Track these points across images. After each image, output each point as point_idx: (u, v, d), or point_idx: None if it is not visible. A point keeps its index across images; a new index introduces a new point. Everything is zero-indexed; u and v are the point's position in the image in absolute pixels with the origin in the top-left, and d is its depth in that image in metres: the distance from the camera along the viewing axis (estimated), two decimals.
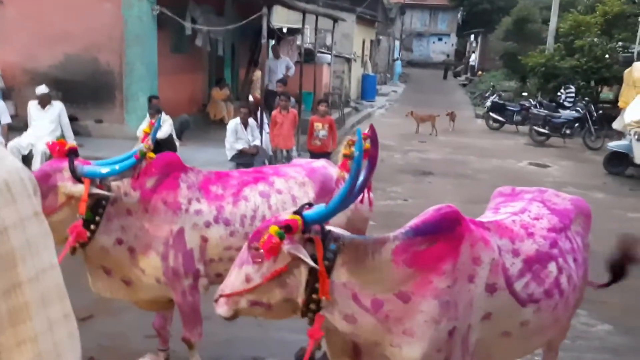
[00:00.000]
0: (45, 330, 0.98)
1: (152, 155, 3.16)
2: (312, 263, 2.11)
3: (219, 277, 3.40)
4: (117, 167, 3.10)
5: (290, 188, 3.52)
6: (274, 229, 2.08)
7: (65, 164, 2.95)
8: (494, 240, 2.42)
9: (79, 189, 2.93)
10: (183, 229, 3.22)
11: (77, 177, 2.95)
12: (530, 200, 2.95)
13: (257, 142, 8.37)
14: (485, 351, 2.44)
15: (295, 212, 2.19)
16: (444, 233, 2.25)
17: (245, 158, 8.01)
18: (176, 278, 3.22)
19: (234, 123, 8.32)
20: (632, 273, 6.35)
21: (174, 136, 8.76)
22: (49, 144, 3.07)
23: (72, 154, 3.00)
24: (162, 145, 8.27)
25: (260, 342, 4.26)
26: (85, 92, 9.88)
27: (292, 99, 10.19)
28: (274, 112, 8.98)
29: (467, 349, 2.32)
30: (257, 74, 12.56)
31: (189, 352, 3.48)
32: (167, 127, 8.58)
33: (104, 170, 3.06)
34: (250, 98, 10.15)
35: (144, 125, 8.49)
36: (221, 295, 2.28)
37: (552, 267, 2.56)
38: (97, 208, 3.01)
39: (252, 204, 3.39)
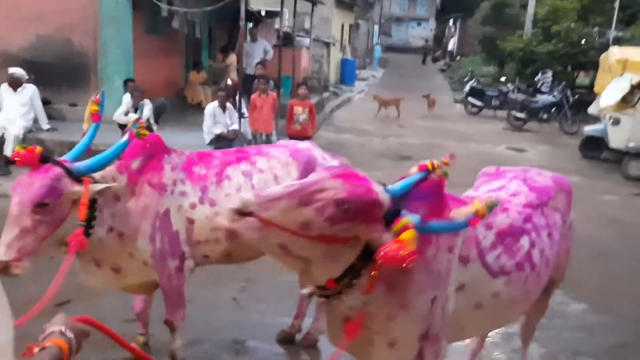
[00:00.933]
0: None
1: (145, 132, 3.10)
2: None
3: (206, 259, 3.39)
4: (110, 153, 2.98)
5: (272, 167, 3.50)
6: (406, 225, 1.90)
7: (57, 169, 2.76)
8: None
9: (83, 189, 2.79)
10: (169, 210, 3.18)
11: (76, 179, 2.80)
12: (511, 179, 3.00)
13: (236, 126, 8.29)
14: (459, 324, 2.46)
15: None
16: (432, 201, 2.23)
17: (223, 142, 7.92)
18: (162, 260, 3.18)
19: (211, 107, 8.22)
20: (606, 254, 6.50)
21: (152, 120, 8.63)
22: (15, 157, 2.76)
23: (46, 157, 2.78)
24: None
25: (241, 325, 4.25)
26: (59, 74, 9.62)
27: (271, 83, 10.09)
28: (253, 96, 8.90)
29: (445, 320, 2.36)
30: (232, 57, 12.38)
31: (170, 336, 3.45)
32: (147, 111, 8.44)
33: (100, 161, 2.93)
34: (229, 81, 10.01)
35: (122, 109, 8.41)
36: (253, 214, 1.88)
37: (524, 241, 2.61)
38: (93, 205, 2.88)
39: (235, 183, 3.36)
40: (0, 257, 2.57)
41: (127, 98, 8.40)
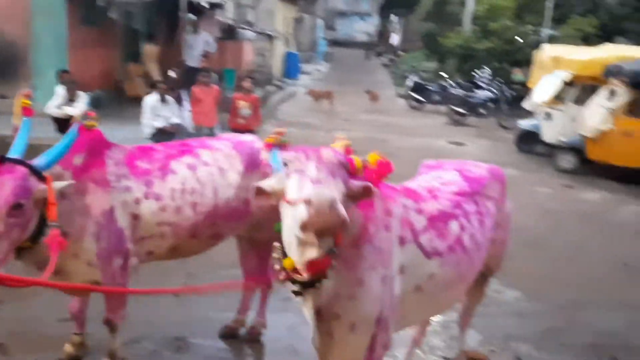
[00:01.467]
0: None
1: (95, 124, 3.00)
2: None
3: (150, 256, 3.31)
4: (62, 147, 2.86)
5: (216, 160, 3.46)
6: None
7: (22, 169, 2.63)
8: (400, 198, 2.61)
9: (46, 187, 2.67)
10: (114, 207, 3.08)
11: (40, 177, 2.68)
12: (447, 170, 3.15)
13: (177, 120, 8.13)
14: (402, 311, 2.57)
15: None
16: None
17: (164, 136, 7.73)
18: (107, 259, 3.08)
19: (151, 99, 8.02)
20: (538, 242, 6.80)
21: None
22: None
23: (2, 157, 2.66)
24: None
25: (182, 322, 4.18)
26: None
27: (214, 75, 9.95)
28: (194, 89, 8.74)
29: (393, 302, 2.47)
30: (150, 48, 11.99)
31: (109, 335, 3.35)
32: (82, 104, 8.15)
33: (56, 157, 2.81)
34: (170, 73, 9.79)
35: (56, 102, 8.07)
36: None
37: (454, 225, 2.77)
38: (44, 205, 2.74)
39: (181, 177, 3.30)
40: None
41: (60, 90, 8.08)
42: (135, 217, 3.16)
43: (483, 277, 3.43)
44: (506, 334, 4.45)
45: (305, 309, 2.40)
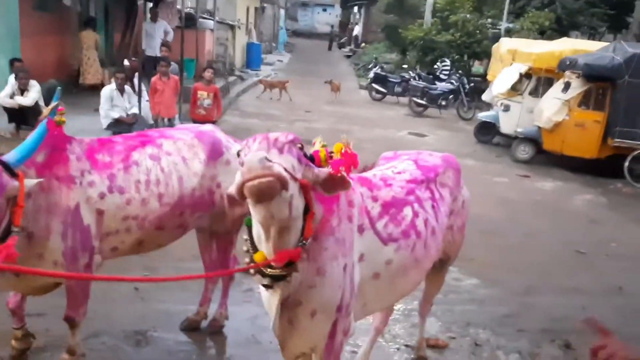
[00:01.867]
0: None
1: (64, 120, 2.90)
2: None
3: (114, 252, 3.23)
4: (33, 142, 2.74)
5: (179, 150, 3.40)
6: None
7: None
8: (357, 187, 2.67)
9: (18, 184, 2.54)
10: (79, 204, 2.98)
11: (12, 173, 2.55)
12: (403, 160, 3.21)
13: (135, 110, 7.96)
14: (362, 299, 2.62)
15: None
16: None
17: (122, 127, 7.58)
18: (73, 258, 2.98)
19: (108, 89, 7.84)
20: (496, 231, 6.96)
21: (41, 103, 8.08)
22: None
23: None
24: (28, 114, 7.61)
25: (142, 316, 4.12)
26: None
27: (174, 65, 9.77)
28: (153, 79, 8.58)
29: (353, 289, 2.51)
30: (87, 34, 11.61)
31: (69, 331, 3.26)
32: (34, 93, 7.89)
33: (29, 152, 2.69)
34: (126, 62, 9.57)
35: (7, 91, 7.77)
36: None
37: (407, 211, 2.83)
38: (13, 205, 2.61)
39: (144, 168, 3.23)
40: None
41: (12, 79, 7.80)
42: (100, 213, 3.07)
43: (442, 265, 3.49)
44: (465, 320, 4.56)
45: (270, 299, 2.40)
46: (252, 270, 2.26)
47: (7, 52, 8.82)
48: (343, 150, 2.28)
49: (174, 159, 3.36)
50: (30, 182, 2.64)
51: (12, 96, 7.73)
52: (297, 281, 2.31)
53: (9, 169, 2.56)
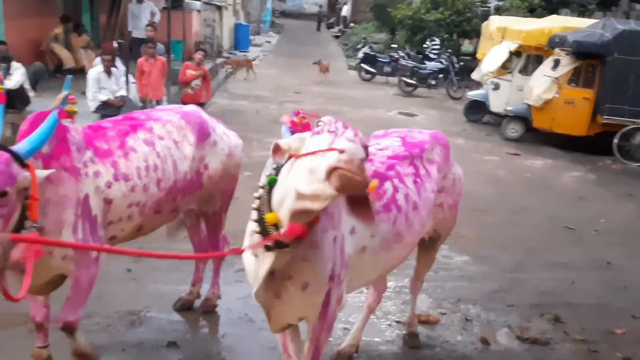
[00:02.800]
0: None
1: (74, 110, 2.82)
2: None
3: (112, 240, 3.17)
4: (45, 132, 2.60)
5: (169, 133, 3.36)
6: None
7: (4, 154, 2.38)
8: None
9: (30, 175, 2.42)
10: (88, 195, 2.89)
11: (22, 164, 2.44)
12: (390, 137, 3.23)
13: (123, 92, 7.88)
14: (349, 274, 2.64)
15: None
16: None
17: (110, 109, 7.50)
18: (83, 251, 2.89)
19: (95, 72, 7.74)
20: (486, 208, 7.00)
21: (27, 86, 7.98)
22: None
23: None
24: (13, 97, 7.50)
25: (135, 296, 4.13)
26: None
27: (160, 46, 9.66)
28: (140, 60, 8.47)
29: (344, 259, 2.55)
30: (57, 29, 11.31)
31: (70, 339, 3.13)
32: (18, 76, 7.78)
33: (41, 143, 2.56)
34: (114, 44, 9.44)
35: None
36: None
37: (387, 185, 2.89)
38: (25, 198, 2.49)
39: (142, 154, 3.17)
40: None
41: None
42: (109, 202, 3.00)
43: (432, 243, 3.52)
44: (456, 297, 4.61)
45: (260, 266, 2.36)
46: (256, 228, 2.26)
47: None
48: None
49: (167, 143, 3.32)
50: (41, 173, 2.53)
51: None
52: (288, 255, 2.31)
53: (20, 160, 2.44)
